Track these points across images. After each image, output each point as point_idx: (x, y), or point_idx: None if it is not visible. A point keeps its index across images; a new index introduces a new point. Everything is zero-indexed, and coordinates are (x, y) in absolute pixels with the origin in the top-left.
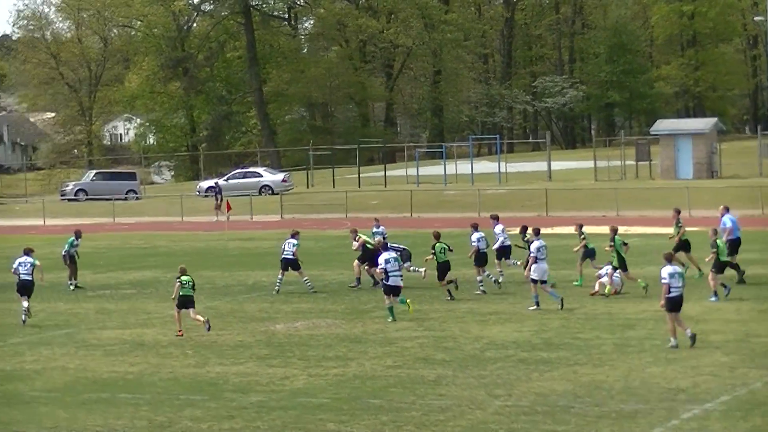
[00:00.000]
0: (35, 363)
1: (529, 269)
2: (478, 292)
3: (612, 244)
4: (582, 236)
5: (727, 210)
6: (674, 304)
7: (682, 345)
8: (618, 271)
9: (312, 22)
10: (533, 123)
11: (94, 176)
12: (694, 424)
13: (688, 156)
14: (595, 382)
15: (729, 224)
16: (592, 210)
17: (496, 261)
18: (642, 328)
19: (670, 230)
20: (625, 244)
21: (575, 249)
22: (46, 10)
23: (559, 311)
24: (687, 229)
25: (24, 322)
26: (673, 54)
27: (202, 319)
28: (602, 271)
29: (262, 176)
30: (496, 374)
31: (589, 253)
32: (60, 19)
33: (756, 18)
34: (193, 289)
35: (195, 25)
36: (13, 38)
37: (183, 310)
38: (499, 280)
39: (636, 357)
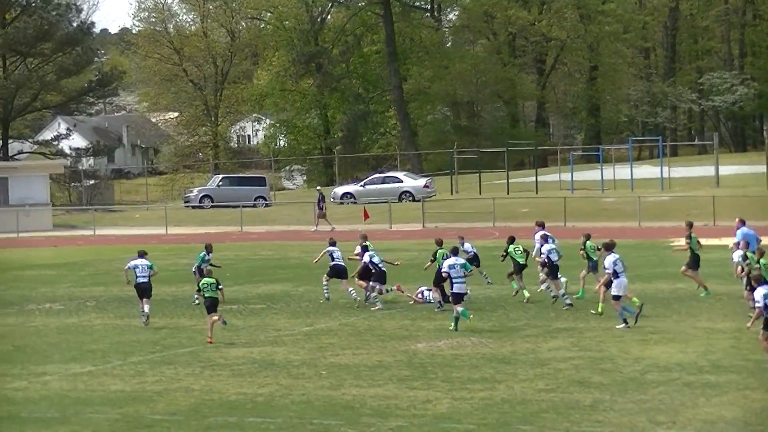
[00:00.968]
0: (157, 384)
1: (602, 285)
2: (565, 307)
3: (582, 248)
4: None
5: (743, 223)
6: None
7: None
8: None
9: (457, 13)
10: (699, 123)
11: (220, 181)
12: None
13: None
14: None
15: (740, 237)
16: (766, 219)
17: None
18: None
19: None
20: (599, 249)
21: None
22: (169, 1)
23: (726, 332)
24: None
25: (146, 324)
26: None
27: (216, 318)
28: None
29: (402, 181)
30: (658, 399)
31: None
32: (184, 10)
33: None
34: (219, 290)
35: (329, 17)
36: (134, 32)
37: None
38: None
39: None
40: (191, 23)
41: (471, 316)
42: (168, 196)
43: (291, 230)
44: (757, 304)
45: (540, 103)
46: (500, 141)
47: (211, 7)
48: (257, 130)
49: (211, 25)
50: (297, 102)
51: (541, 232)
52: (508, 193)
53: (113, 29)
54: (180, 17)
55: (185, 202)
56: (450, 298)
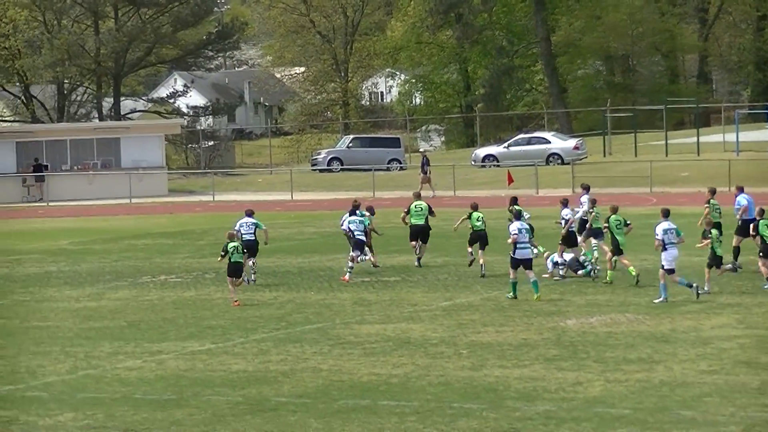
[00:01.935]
0: (282, 363)
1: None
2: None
3: (606, 225)
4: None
5: (741, 190)
6: None
7: None
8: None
9: None
10: None
11: (350, 143)
12: None
13: None
14: None
15: (744, 203)
16: None
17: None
18: None
19: None
20: (627, 224)
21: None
22: None
23: None
24: None
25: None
26: None
27: (242, 279)
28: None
29: (549, 142)
30: None
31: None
32: None
33: None
34: (245, 252)
35: None
36: None
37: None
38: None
39: None
40: None
41: (539, 291)
42: (293, 158)
43: (427, 196)
44: None
45: (702, 56)
46: (658, 98)
47: None
48: (390, 87)
49: None
50: (434, 56)
51: (587, 196)
52: (666, 156)
53: None
54: None
55: (312, 165)
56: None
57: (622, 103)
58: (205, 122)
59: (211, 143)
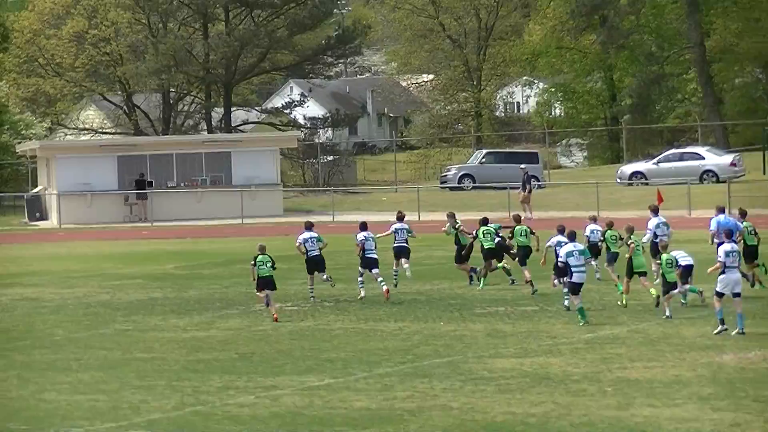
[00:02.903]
0: (409, 400)
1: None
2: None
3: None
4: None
5: (721, 211)
6: None
7: None
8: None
9: None
10: None
11: (484, 158)
12: None
13: None
14: None
15: (714, 227)
16: None
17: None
18: None
19: None
20: (621, 239)
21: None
22: None
23: None
24: None
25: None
26: None
27: (274, 312)
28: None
29: (703, 158)
30: None
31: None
32: None
33: None
34: (273, 268)
35: None
36: None
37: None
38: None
39: None
40: None
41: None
42: (420, 175)
43: (568, 216)
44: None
45: None
46: None
47: None
48: (528, 97)
49: None
50: (576, 62)
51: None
52: None
53: None
54: None
55: (441, 182)
56: (566, 288)
57: None
58: (324, 135)
59: (330, 158)
